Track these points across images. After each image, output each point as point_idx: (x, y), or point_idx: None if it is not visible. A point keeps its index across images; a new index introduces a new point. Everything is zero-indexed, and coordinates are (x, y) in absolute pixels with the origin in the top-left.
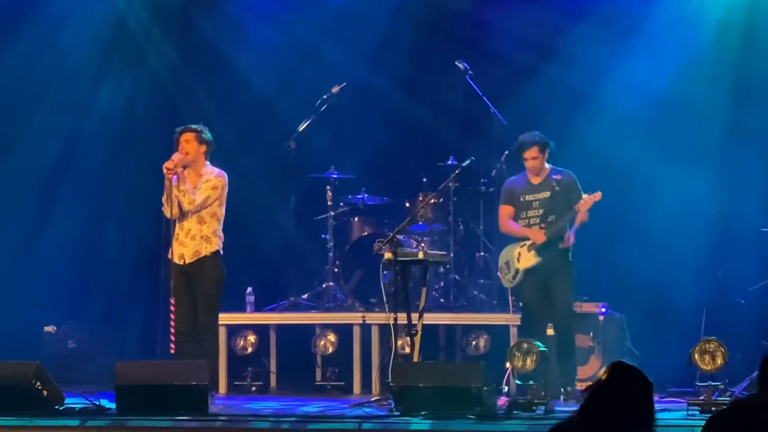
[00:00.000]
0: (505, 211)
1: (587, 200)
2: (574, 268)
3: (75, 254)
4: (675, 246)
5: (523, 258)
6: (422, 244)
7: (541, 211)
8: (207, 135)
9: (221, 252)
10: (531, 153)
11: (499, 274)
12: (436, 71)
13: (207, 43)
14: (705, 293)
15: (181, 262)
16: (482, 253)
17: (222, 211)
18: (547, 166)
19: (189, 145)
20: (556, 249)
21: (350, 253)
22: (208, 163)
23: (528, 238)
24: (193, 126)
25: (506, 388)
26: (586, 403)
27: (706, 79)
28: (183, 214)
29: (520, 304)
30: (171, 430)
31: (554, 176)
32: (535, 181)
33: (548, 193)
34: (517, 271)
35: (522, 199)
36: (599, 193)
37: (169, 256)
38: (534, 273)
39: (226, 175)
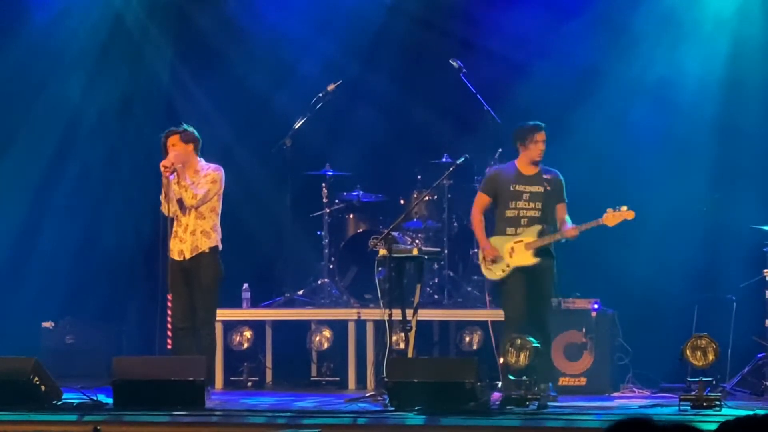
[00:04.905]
0: (481, 200)
1: (616, 215)
2: (557, 261)
3: (73, 250)
4: (666, 242)
5: (517, 255)
6: (417, 241)
7: (533, 204)
8: (191, 133)
9: (220, 247)
10: (542, 136)
11: (479, 263)
12: (431, 69)
13: (203, 40)
14: (696, 290)
15: (181, 258)
16: (476, 250)
17: (220, 205)
18: None
19: (176, 147)
20: (547, 247)
21: (345, 250)
22: (201, 159)
23: (520, 233)
24: (175, 128)
25: (500, 384)
26: None
27: (697, 76)
28: (184, 210)
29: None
30: (168, 425)
31: (545, 175)
32: (527, 171)
33: (540, 189)
34: (507, 265)
35: (511, 189)
36: (632, 212)
37: (168, 253)
38: (524, 270)
39: (222, 169)
